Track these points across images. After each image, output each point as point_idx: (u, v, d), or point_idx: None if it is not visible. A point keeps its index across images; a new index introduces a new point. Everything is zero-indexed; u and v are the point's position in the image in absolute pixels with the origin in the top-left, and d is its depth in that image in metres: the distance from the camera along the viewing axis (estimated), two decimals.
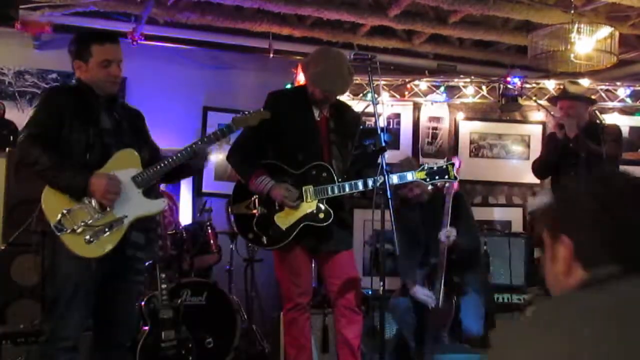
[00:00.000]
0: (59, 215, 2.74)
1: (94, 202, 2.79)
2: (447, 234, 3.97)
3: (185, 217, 5.99)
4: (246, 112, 3.18)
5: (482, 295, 4.12)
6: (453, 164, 3.36)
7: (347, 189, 3.33)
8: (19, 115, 5.44)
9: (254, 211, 3.42)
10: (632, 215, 1.10)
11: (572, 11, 4.56)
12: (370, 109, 3.26)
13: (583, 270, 1.12)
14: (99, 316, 2.94)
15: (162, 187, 5.34)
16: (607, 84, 5.68)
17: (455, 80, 5.74)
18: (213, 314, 4.44)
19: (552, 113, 5.51)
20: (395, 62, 6.20)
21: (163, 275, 4.16)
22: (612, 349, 0.95)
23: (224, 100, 6.20)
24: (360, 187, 3.32)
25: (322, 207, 3.35)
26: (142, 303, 4.14)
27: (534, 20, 5.14)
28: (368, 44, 5.90)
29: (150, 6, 5.01)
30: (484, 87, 5.67)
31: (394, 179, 3.29)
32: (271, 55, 5.84)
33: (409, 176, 3.36)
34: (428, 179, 3.36)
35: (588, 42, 4.29)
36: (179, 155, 2.98)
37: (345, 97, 5.30)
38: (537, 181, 5.15)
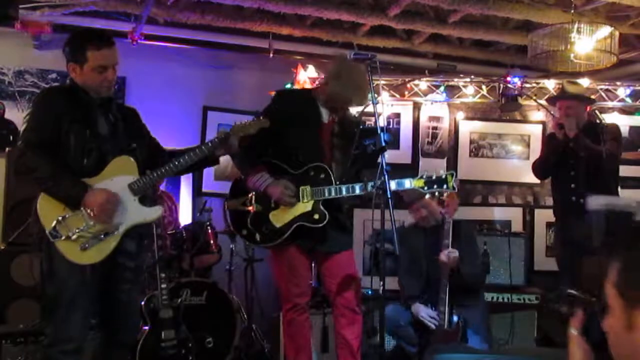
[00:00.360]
0: (54, 222, 2.74)
1: (89, 210, 2.79)
2: (448, 254, 3.95)
3: (185, 217, 5.99)
4: (245, 121, 3.18)
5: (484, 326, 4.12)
6: (453, 174, 3.33)
7: (344, 192, 3.33)
8: (19, 115, 5.43)
9: (250, 208, 3.43)
10: None
11: (572, 11, 4.57)
12: (370, 109, 3.26)
13: None
14: (98, 317, 2.96)
15: (162, 187, 5.35)
16: (607, 83, 5.67)
17: (455, 80, 5.74)
18: (213, 313, 4.44)
19: (552, 113, 5.51)
20: (395, 61, 6.20)
21: (163, 275, 4.16)
22: None
23: (224, 100, 6.20)
24: (358, 190, 3.31)
25: (318, 208, 3.35)
26: (142, 303, 4.14)
27: (534, 20, 5.13)
28: (368, 44, 5.90)
29: (150, 6, 5.01)
30: (484, 87, 5.67)
31: (392, 185, 3.27)
32: (271, 55, 5.84)
33: (407, 183, 3.33)
34: (426, 187, 3.32)
35: (588, 41, 4.29)
36: (176, 163, 2.97)
37: None
38: (538, 181, 5.14)
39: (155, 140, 3.22)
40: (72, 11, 5.15)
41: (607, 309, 1.10)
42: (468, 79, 5.72)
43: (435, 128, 5.75)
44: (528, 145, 5.74)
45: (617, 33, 4.37)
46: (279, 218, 3.38)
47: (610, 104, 5.66)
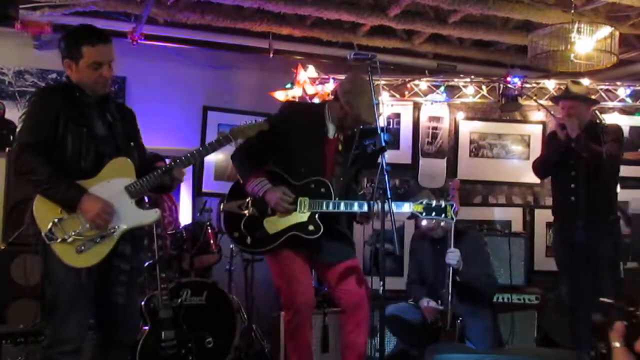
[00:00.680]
0: (50, 224, 2.71)
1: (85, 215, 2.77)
2: (452, 256, 3.95)
3: (185, 217, 5.99)
4: (244, 123, 3.18)
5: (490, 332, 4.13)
6: (452, 204, 3.34)
7: (342, 208, 3.33)
8: (19, 115, 5.44)
9: (245, 212, 3.42)
10: None
11: (572, 11, 4.57)
12: (371, 125, 3.26)
13: None
14: (97, 318, 2.94)
15: None
16: (607, 84, 5.67)
17: (455, 80, 5.74)
18: (213, 313, 4.44)
19: (552, 113, 5.50)
20: (395, 62, 6.20)
21: (163, 275, 4.16)
22: None
23: (224, 100, 6.21)
24: (356, 207, 3.31)
25: (314, 220, 3.34)
26: (142, 303, 4.14)
27: (534, 20, 5.14)
28: (368, 44, 5.90)
29: (150, 6, 5.01)
30: (484, 87, 5.67)
31: (393, 207, 3.26)
32: (271, 55, 5.84)
33: (406, 207, 3.33)
34: (424, 214, 3.32)
35: (588, 42, 4.29)
36: (177, 162, 2.95)
37: None
38: (538, 181, 5.14)
39: (143, 147, 3.16)
40: (72, 11, 5.15)
41: None
42: (468, 79, 5.72)
43: (435, 128, 5.75)
44: (528, 146, 5.74)
45: (617, 33, 4.37)
46: (273, 225, 3.37)
47: (610, 104, 5.66)
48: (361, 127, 3.48)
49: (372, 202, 3.12)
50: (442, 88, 5.66)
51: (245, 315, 4.98)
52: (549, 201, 5.10)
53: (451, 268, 3.93)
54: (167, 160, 3.07)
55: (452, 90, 5.70)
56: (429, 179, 5.60)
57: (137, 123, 3.16)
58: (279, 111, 3.57)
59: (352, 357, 3.42)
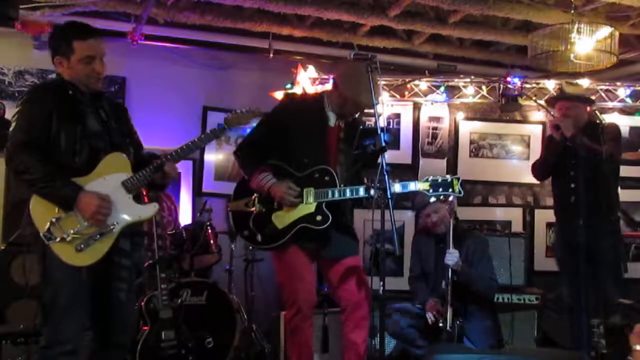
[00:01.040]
0: (48, 224, 2.70)
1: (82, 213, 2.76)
2: (450, 257, 3.95)
3: (185, 217, 5.99)
4: (238, 111, 3.17)
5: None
6: (459, 179, 3.34)
7: (348, 194, 3.32)
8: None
9: (252, 209, 3.42)
10: None
11: (572, 11, 4.56)
12: (371, 109, 3.26)
13: None
14: (95, 318, 2.92)
15: None
16: (607, 84, 5.67)
17: (455, 80, 5.74)
18: (213, 314, 4.45)
19: (551, 113, 5.51)
20: (395, 62, 6.19)
21: (163, 275, 4.16)
22: None
23: (224, 100, 6.20)
24: (362, 192, 3.30)
25: (321, 210, 3.34)
26: (142, 303, 4.14)
27: (534, 20, 5.13)
28: (368, 44, 5.89)
29: (150, 6, 5.00)
30: (484, 87, 5.67)
31: (397, 187, 3.27)
32: (271, 55, 5.83)
33: (412, 186, 3.33)
34: (431, 190, 3.32)
35: (588, 42, 4.28)
36: (168, 157, 2.95)
37: None
38: (538, 181, 5.15)
39: (139, 142, 3.16)
40: (72, 11, 5.15)
41: None
42: (468, 79, 5.72)
43: (435, 128, 5.75)
44: (528, 146, 5.74)
45: (617, 33, 4.37)
46: (282, 219, 3.37)
47: (610, 104, 5.66)
48: (360, 112, 3.47)
49: (378, 185, 3.07)
50: (442, 88, 5.66)
51: (245, 315, 4.98)
52: (549, 201, 5.10)
53: (450, 268, 3.94)
54: None
55: (452, 91, 5.71)
56: None
57: (131, 119, 3.15)
58: (279, 104, 3.58)
59: (353, 357, 3.42)
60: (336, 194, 3.33)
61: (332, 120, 3.49)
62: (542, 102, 5.39)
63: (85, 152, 2.81)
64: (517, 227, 5.54)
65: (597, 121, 4.27)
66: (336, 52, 6.09)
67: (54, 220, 2.71)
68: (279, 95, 5.36)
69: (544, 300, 4.79)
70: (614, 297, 4.07)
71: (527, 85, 5.57)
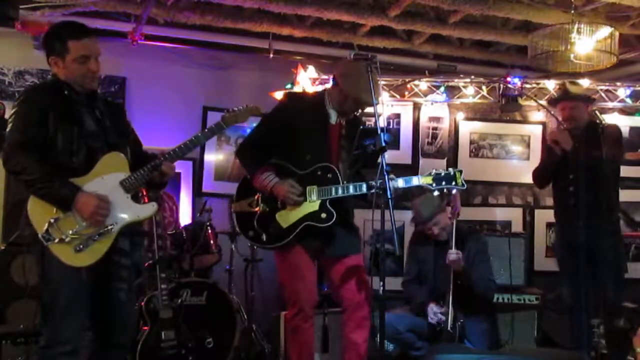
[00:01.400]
0: (46, 225, 2.69)
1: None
2: (452, 255, 3.95)
3: (185, 217, 5.99)
4: (236, 109, 3.17)
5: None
6: (461, 171, 3.33)
7: (351, 191, 3.32)
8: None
9: (256, 209, 3.42)
10: None
11: (572, 11, 4.56)
12: (370, 109, 3.26)
13: None
14: (95, 318, 2.92)
15: None
16: (607, 84, 5.67)
17: (455, 80, 5.74)
18: (213, 314, 4.45)
19: (552, 113, 5.51)
20: (395, 62, 6.19)
21: (163, 275, 4.16)
22: None
23: (224, 100, 6.19)
24: (365, 189, 3.30)
25: (325, 207, 3.34)
26: (142, 303, 4.14)
27: (534, 20, 5.13)
28: (368, 44, 5.89)
29: (150, 6, 5.00)
30: (484, 87, 5.67)
31: (400, 182, 3.27)
32: (271, 55, 5.83)
33: (415, 180, 3.33)
34: (434, 184, 3.32)
35: (588, 42, 4.28)
36: (166, 156, 2.95)
37: None
38: None
39: (138, 140, 3.17)
40: (72, 11, 5.15)
41: None
42: (468, 80, 5.72)
43: (435, 128, 5.75)
44: (528, 146, 5.74)
45: (617, 33, 4.37)
46: (286, 218, 3.37)
47: (610, 104, 5.66)
48: (361, 109, 3.49)
49: (380, 181, 3.07)
50: (442, 88, 5.66)
51: (245, 315, 4.98)
52: (549, 201, 5.10)
53: (452, 270, 3.94)
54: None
55: (452, 91, 5.71)
56: None
57: (127, 118, 3.15)
58: (279, 103, 3.58)
59: (353, 357, 3.42)
60: (340, 191, 3.33)
61: (334, 118, 3.50)
62: (542, 102, 5.39)
63: (82, 152, 2.80)
64: (517, 227, 5.55)
65: (597, 121, 4.27)
66: (336, 52, 6.09)
67: (52, 221, 2.71)
68: (279, 95, 5.35)
69: (544, 300, 4.79)
70: (614, 298, 4.07)
71: (527, 86, 5.57)
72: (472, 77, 5.79)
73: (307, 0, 5.09)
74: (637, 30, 5.38)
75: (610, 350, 3.54)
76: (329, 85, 3.49)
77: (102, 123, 2.92)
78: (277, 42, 5.81)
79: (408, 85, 5.65)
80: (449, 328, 3.89)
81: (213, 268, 5.21)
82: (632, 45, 5.83)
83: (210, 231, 4.88)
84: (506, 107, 5.56)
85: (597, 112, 4.45)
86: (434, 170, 3.33)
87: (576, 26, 4.26)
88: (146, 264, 4.58)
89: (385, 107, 5.46)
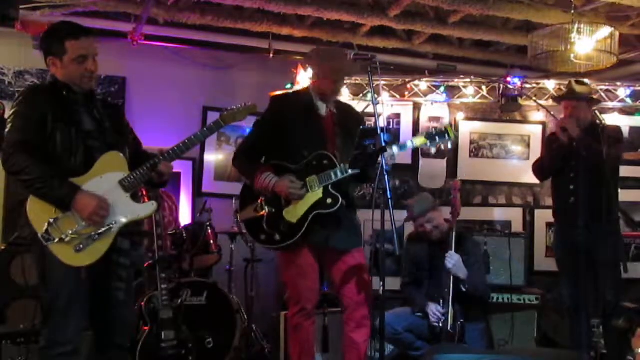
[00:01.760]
0: (46, 225, 2.69)
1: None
2: (450, 259, 3.95)
3: (185, 217, 5.99)
4: (234, 107, 3.17)
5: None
6: (452, 125, 3.38)
7: (350, 171, 3.35)
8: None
9: (262, 212, 3.42)
10: None
11: (572, 11, 4.57)
12: (371, 109, 3.27)
13: None
14: (94, 318, 2.92)
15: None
16: (607, 84, 5.67)
17: (455, 80, 5.74)
18: (213, 314, 4.45)
19: (552, 113, 5.51)
20: (395, 62, 6.20)
21: (163, 275, 4.16)
22: None
23: (224, 100, 6.17)
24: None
25: (329, 192, 3.37)
26: (142, 303, 4.14)
27: (534, 20, 5.14)
28: (368, 44, 5.90)
29: (150, 6, 5.01)
30: (484, 87, 5.67)
31: (395, 149, 3.29)
32: (271, 55, 5.84)
33: (409, 144, 3.39)
34: (429, 143, 3.38)
35: (588, 42, 4.28)
36: (165, 155, 2.95)
37: (345, 97, 5.32)
38: (538, 181, 5.12)
39: (138, 139, 3.17)
40: (72, 11, 5.15)
41: None
42: (468, 80, 5.72)
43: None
44: (528, 146, 5.74)
45: (617, 33, 4.37)
46: (294, 213, 3.38)
47: (610, 104, 5.66)
48: (338, 82, 3.53)
49: (379, 162, 3.11)
50: (442, 88, 5.66)
51: (245, 316, 4.98)
52: (549, 201, 5.10)
53: (451, 274, 3.93)
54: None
55: (452, 91, 5.71)
56: (429, 179, 5.60)
57: (125, 117, 3.16)
58: (269, 106, 3.59)
59: (354, 356, 3.43)
60: (339, 174, 3.36)
61: (323, 109, 3.52)
62: (542, 102, 5.39)
63: (81, 152, 2.81)
64: (517, 227, 5.54)
65: (597, 121, 4.27)
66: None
67: (51, 221, 2.70)
68: None
69: (544, 300, 4.79)
70: (613, 298, 4.07)
71: (527, 86, 5.57)
72: (472, 77, 5.79)
73: (307, 0, 5.10)
74: (637, 30, 5.38)
75: (610, 350, 3.55)
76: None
77: (100, 123, 2.92)
78: (277, 42, 5.82)
79: (408, 85, 5.65)
80: (449, 328, 3.88)
81: (213, 268, 5.22)
82: (632, 45, 5.83)
83: (210, 231, 4.89)
84: (506, 107, 5.56)
85: (597, 112, 4.45)
86: (425, 131, 3.36)
87: (576, 26, 4.26)
88: (146, 264, 4.58)
89: (385, 107, 5.46)
